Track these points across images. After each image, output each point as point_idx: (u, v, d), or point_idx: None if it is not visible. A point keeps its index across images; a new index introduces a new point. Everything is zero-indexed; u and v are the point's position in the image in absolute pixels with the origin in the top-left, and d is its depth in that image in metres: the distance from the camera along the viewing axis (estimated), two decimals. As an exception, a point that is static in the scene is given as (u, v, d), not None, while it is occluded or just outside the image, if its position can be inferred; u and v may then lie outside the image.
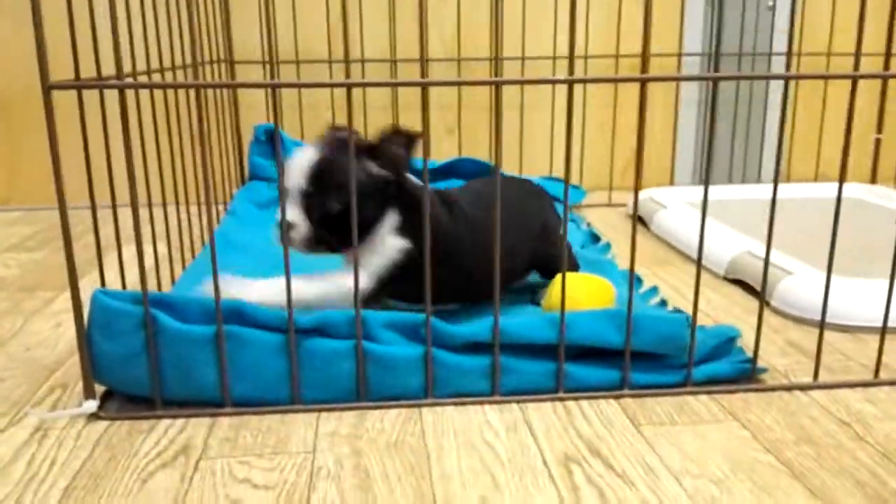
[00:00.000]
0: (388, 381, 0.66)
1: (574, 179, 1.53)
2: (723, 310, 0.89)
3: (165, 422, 0.64)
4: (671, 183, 1.61)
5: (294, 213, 0.71)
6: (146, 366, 0.63)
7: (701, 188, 1.42)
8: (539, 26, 1.50)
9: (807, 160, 1.63)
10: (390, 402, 0.66)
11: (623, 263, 1.01)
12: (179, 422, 0.64)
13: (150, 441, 0.61)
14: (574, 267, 0.90)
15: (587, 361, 0.68)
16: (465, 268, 0.76)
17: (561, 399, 0.67)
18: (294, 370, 0.64)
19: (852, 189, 1.39)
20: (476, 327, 0.66)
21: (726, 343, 0.71)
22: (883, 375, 0.71)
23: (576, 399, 0.67)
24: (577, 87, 1.48)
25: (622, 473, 0.56)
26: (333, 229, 0.71)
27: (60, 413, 0.64)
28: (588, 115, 1.56)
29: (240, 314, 0.64)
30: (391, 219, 0.74)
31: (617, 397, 0.67)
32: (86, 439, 0.61)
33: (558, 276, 0.74)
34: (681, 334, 0.67)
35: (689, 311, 0.69)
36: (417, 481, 0.55)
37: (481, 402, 0.67)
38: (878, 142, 1.55)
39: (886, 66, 1.27)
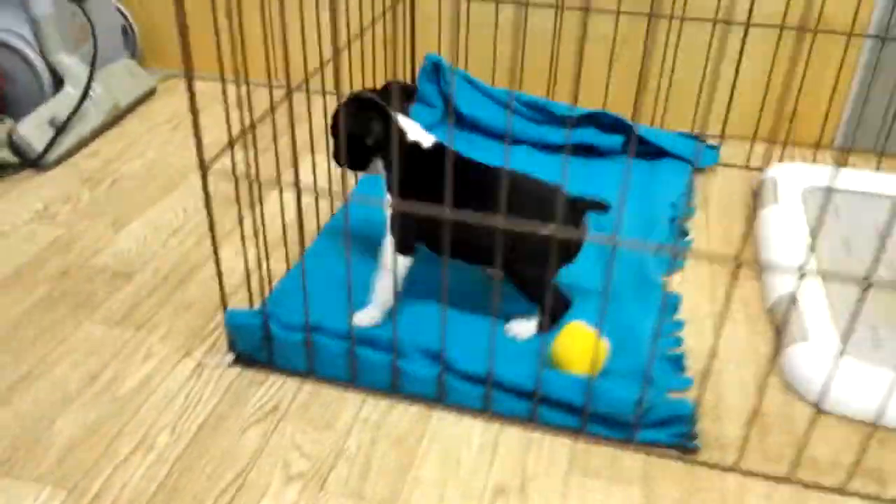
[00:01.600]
0: (415, 387, 0.94)
1: (716, 132, 1.57)
2: (742, 352, 1.04)
3: (272, 377, 0.98)
4: (828, 143, 1.59)
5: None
6: (265, 351, 0.97)
7: (841, 171, 1.42)
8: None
9: None
10: (414, 398, 0.95)
11: (689, 275, 1.16)
12: (281, 381, 0.97)
13: (258, 395, 0.95)
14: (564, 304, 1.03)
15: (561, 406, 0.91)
16: (454, 224, 0.87)
17: (531, 429, 0.92)
18: (353, 367, 0.95)
19: None
20: (476, 367, 0.91)
21: (676, 418, 0.90)
22: (853, 484, 0.85)
23: (544, 432, 0.91)
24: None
25: (527, 514, 0.82)
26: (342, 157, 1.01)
27: (211, 361, 1.00)
28: (745, 60, 1.53)
29: (321, 327, 0.94)
30: (382, 173, 1.04)
31: (574, 439, 0.91)
32: (224, 382, 0.97)
33: (565, 329, 0.95)
34: (628, 412, 0.88)
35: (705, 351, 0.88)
36: (395, 485, 0.85)
37: (474, 416, 0.93)
38: None
39: None
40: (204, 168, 0.85)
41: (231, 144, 0.87)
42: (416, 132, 1.03)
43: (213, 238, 0.92)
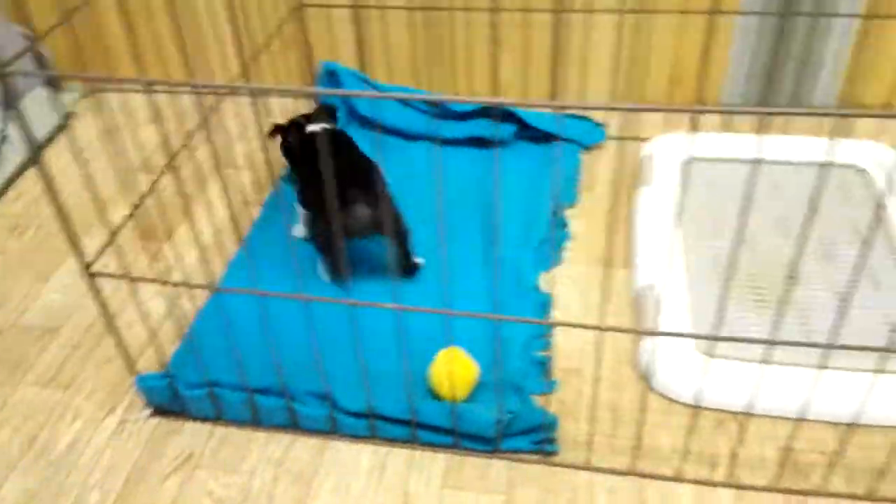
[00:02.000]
0: (310, 424, 1.07)
1: (603, 100, 1.64)
2: (607, 346, 1.16)
3: (187, 425, 1.10)
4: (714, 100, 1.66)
5: None
6: (177, 405, 1.09)
7: (722, 136, 1.49)
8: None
9: (879, 79, 1.58)
10: (311, 433, 1.08)
11: (565, 271, 1.27)
12: (195, 428, 1.10)
13: (174, 445, 1.08)
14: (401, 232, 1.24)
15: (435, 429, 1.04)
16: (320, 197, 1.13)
17: (414, 448, 1.05)
18: (254, 413, 1.07)
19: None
20: (357, 404, 1.03)
21: (536, 426, 1.03)
22: (687, 470, 0.98)
23: (423, 449, 1.05)
24: None
25: (404, 533, 0.96)
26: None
27: (131, 416, 1.12)
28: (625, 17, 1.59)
29: (219, 382, 1.06)
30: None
31: (450, 454, 1.04)
32: (144, 435, 1.10)
33: (436, 358, 1.07)
34: (491, 429, 1.01)
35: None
36: (294, 515, 0.99)
37: (365, 443, 1.06)
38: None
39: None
40: (90, 273, 0.95)
41: (111, 242, 0.97)
42: (314, 128, 1.35)
43: (112, 327, 1.03)
